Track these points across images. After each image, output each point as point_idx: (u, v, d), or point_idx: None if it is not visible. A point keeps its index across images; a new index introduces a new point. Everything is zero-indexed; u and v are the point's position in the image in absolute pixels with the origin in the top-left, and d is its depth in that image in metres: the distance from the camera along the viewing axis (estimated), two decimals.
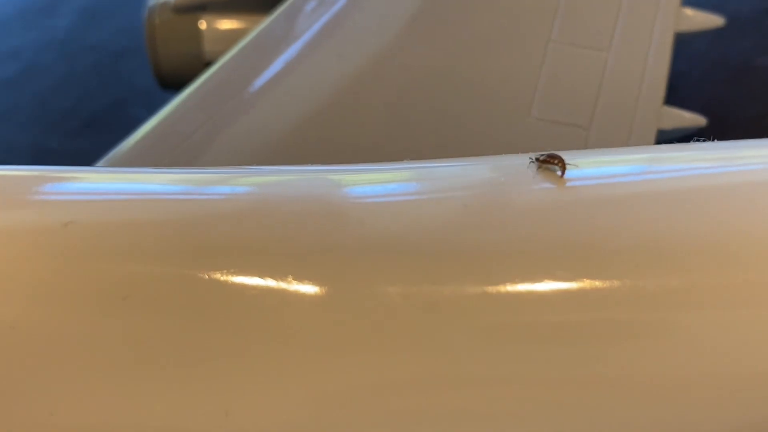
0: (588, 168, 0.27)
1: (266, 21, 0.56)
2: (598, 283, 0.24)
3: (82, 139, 0.84)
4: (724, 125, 0.69)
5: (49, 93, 0.91)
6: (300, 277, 0.24)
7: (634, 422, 0.24)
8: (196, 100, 0.53)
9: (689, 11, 0.57)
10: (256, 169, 0.33)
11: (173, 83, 0.66)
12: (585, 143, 0.51)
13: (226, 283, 0.24)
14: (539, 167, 0.26)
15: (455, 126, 0.52)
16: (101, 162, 0.49)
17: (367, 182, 0.29)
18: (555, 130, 0.52)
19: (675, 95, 0.55)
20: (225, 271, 0.24)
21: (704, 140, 0.29)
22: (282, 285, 0.24)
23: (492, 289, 0.24)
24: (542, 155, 0.26)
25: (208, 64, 0.59)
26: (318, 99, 0.53)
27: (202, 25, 0.65)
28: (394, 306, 0.24)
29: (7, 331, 0.24)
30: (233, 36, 0.62)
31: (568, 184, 0.26)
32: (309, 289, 0.24)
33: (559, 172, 0.26)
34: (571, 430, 0.24)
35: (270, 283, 0.24)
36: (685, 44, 0.58)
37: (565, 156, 0.27)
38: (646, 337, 0.23)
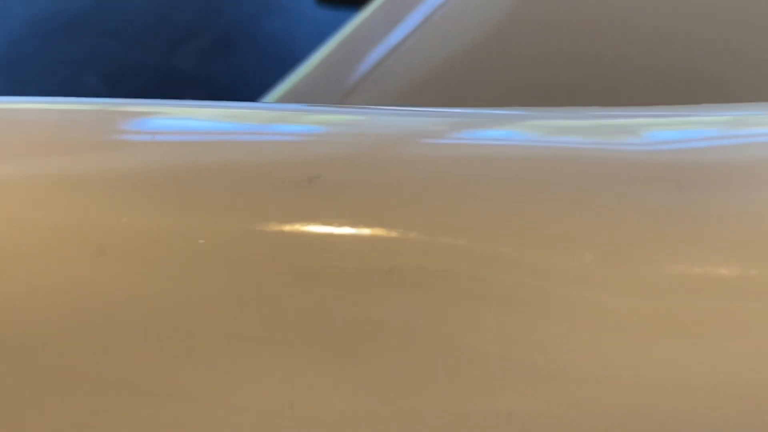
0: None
1: None
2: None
3: (211, 61, 0.75)
4: None
5: (166, 6, 0.82)
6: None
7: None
8: (381, 20, 0.44)
9: None
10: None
11: None
12: None
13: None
14: None
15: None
16: (275, 91, 0.41)
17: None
18: None
19: None
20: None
21: None
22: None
23: None
24: None
25: None
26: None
27: None
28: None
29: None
30: None
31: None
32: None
33: None
34: None
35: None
36: None
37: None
38: None
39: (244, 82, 0.78)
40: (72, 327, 0.20)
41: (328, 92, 0.43)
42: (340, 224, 0.20)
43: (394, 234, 0.20)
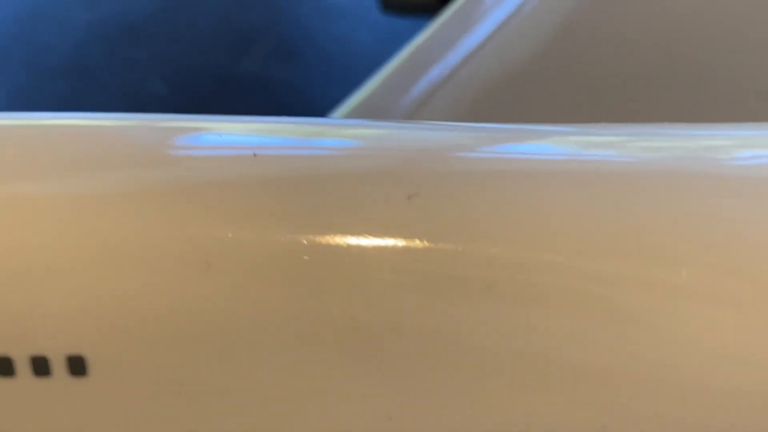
0: None
1: None
2: None
3: (274, 66, 0.76)
4: None
5: (229, 10, 0.83)
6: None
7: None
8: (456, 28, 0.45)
9: None
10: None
11: (398, 5, 0.57)
12: None
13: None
14: None
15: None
16: (348, 103, 0.42)
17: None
18: None
19: None
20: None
21: None
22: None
23: None
24: None
25: None
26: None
27: None
28: None
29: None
30: None
31: None
32: None
33: None
34: None
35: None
36: None
37: None
38: None
39: (306, 87, 0.79)
40: (183, 338, 0.20)
41: (400, 103, 0.43)
42: (440, 241, 0.20)
43: (494, 251, 0.20)
